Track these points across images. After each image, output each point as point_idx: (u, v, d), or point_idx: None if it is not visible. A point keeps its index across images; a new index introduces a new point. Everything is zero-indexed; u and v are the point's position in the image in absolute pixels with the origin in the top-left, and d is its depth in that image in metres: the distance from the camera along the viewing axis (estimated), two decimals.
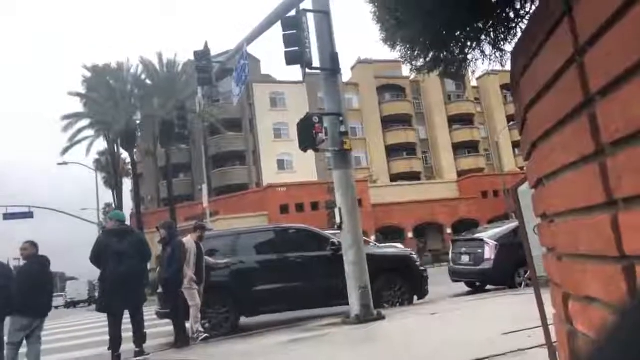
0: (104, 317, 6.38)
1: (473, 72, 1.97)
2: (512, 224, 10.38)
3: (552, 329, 2.81)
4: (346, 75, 46.63)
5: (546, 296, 2.88)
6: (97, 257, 6.27)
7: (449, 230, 37.73)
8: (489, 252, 9.71)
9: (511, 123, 47.41)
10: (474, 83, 53.36)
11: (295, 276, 8.32)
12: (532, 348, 3.95)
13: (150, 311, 7.22)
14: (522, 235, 3.16)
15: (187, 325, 7.09)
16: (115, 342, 6.10)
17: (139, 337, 6.25)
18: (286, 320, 8.41)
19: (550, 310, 2.59)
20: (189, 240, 7.36)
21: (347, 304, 7.37)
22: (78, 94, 35.22)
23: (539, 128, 1.16)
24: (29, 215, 28.26)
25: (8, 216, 27.59)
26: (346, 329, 6.70)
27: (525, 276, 9.42)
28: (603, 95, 0.84)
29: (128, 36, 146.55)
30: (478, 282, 10.67)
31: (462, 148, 49.84)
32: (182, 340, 6.75)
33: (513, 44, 1.56)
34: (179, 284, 6.99)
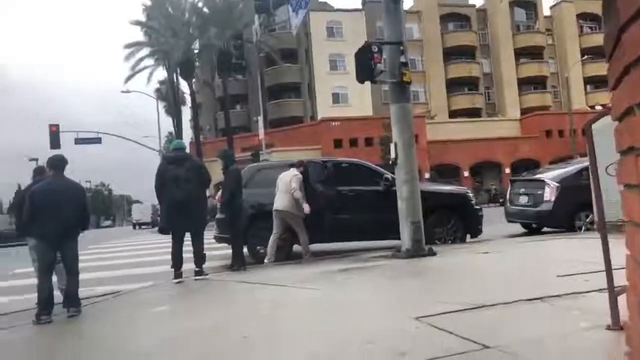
0: (167, 237, 6.76)
1: None
2: (576, 165, 9.86)
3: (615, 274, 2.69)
4: (408, 2, 44.24)
5: (611, 242, 2.74)
6: (160, 184, 6.56)
7: (507, 170, 36.54)
8: (549, 194, 9.35)
9: (585, 57, 43.80)
10: (546, 12, 49.19)
11: (349, 209, 8.45)
12: (588, 292, 3.84)
13: (209, 235, 7.59)
14: (593, 176, 2.97)
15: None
16: (176, 261, 6.52)
17: (199, 258, 6.62)
18: (338, 250, 8.63)
19: (615, 255, 2.46)
20: (297, 174, 7.91)
21: (399, 238, 7.43)
22: (138, 22, 35.74)
23: (637, 49, 1.02)
24: (97, 140, 29.89)
25: (79, 141, 29.28)
26: (395, 262, 6.79)
27: (587, 220, 9.06)
28: None
29: None
30: (534, 224, 10.39)
31: (528, 84, 46.91)
32: (238, 263, 7.11)
33: None
34: (241, 209, 7.31)
